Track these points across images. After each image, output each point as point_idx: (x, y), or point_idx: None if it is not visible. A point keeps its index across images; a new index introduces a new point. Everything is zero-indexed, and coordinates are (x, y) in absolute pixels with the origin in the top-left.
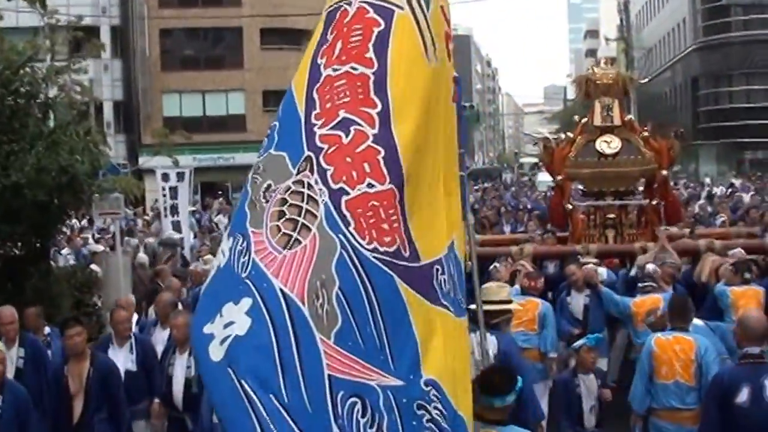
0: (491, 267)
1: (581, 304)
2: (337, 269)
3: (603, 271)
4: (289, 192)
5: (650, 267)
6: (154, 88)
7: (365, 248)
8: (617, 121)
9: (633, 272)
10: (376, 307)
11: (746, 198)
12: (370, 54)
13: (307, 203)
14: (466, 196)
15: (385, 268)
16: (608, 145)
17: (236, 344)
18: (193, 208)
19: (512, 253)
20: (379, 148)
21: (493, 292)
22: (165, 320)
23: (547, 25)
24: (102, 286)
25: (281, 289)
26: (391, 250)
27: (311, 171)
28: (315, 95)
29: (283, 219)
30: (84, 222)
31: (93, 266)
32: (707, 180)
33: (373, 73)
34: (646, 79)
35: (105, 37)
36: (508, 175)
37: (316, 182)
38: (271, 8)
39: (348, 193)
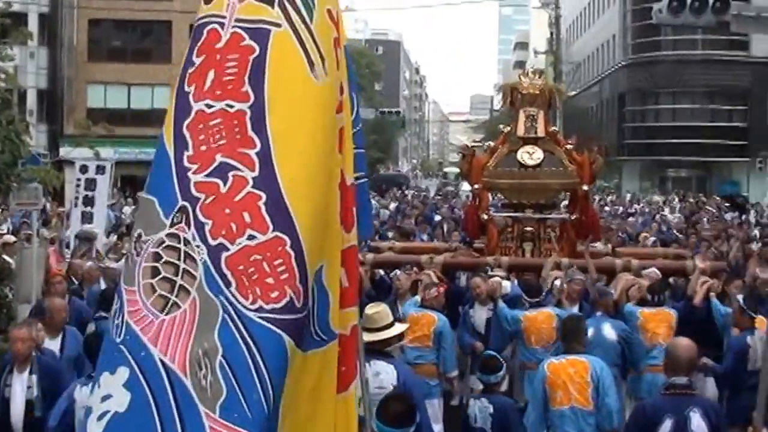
0: (392, 275)
1: (483, 318)
2: (220, 336)
3: (507, 285)
4: (163, 246)
5: (557, 283)
6: (79, 78)
7: (249, 309)
8: (541, 132)
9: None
10: (264, 372)
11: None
12: (246, 88)
13: (184, 261)
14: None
15: (273, 327)
16: (530, 156)
17: (116, 422)
18: (113, 202)
19: (422, 262)
20: (260, 192)
21: (383, 317)
22: (56, 329)
23: (478, 35)
24: (15, 278)
25: (161, 360)
26: (279, 305)
27: (187, 224)
28: (185, 132)
29: (158, 277)
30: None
31: (5, 257)
32: (628, 196)
33: (250, 108)
34: (574, 93)
35: (33, 24)
36: (432, 183)
37: (194, 238)
38: None
39: (228, 249)
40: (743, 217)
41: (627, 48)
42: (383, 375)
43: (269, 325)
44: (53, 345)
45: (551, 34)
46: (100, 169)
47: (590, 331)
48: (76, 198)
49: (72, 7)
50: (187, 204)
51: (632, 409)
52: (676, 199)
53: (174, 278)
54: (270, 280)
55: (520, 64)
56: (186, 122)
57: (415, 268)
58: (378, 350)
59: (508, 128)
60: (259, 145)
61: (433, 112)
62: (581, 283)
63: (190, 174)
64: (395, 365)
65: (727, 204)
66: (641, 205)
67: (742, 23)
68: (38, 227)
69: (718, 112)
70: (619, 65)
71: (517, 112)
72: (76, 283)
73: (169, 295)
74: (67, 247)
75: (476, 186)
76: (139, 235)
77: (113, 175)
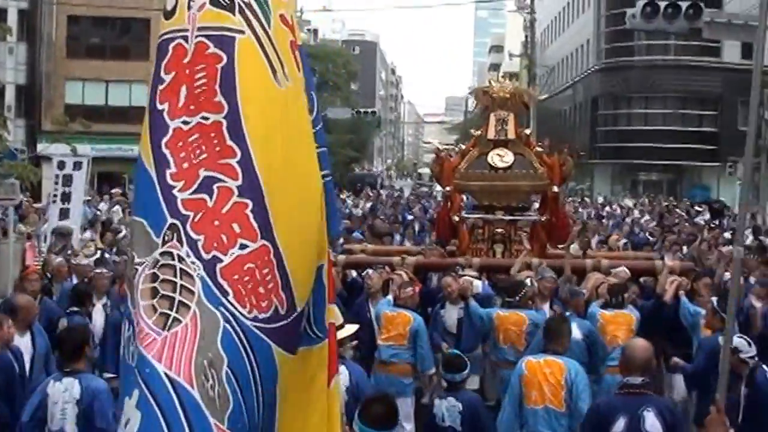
0: (364, 273)
1: (455, 318)
2: (223, 346)
3: (478, 284)
4: (159, 266)
5: (528, 283)
6: (57, 74)
7: (247, 318)
8: (511, 135)
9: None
10: (259, 382)
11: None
12: (219, 98)
13: (180, 278)
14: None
15: (263, 336)
16: (501, 158)
17: None
18: (89, 198)
19: (394, 263)
20: (246, 200)
21: (336, 317)
22: (26, 326)
23: (454, 37)
24: None
25: (166, 374)
26: (268, 315)
27: (179, 242)
28: (165, 150)
29: (158, 297)
30: None
31: None
32: (600, 199)
33: (225, 117)
34: (545, 96)
35: (12, 19)
36: (406, 183)
37: (188, 255)
38: None
39: (221, 261)
40: (718, 221)
41: (600, 52)
42: None
43: (261, 335)
44: (24, 341)
45: (526, 37)
46: (76, 165)
47: None
48: (54, 194)
49: (51, 3)
50: (176, 222)
51: (588, 408)
52: (647, 202)
53: (172, 295)
54: (261, 290)
55: (495, 67)
56: (164, 140)
57: (387, 268)
58: None
59: (479, 131)
60: (239, 154)
61: (408, 112)
62: (552, 281)
63: (175, 192)
64: (347, 366)
65: (698, 209)
66: (613, 207)
67: (714, 30)
68: (15, 222)
69: (689, 117)
70: (593, 69)
71: (488, 115)
72: (49, 278)
73: (169, 312)
74: (45, 242)
75: (448, 188)
76: (133, 258)
77: (90, 171)
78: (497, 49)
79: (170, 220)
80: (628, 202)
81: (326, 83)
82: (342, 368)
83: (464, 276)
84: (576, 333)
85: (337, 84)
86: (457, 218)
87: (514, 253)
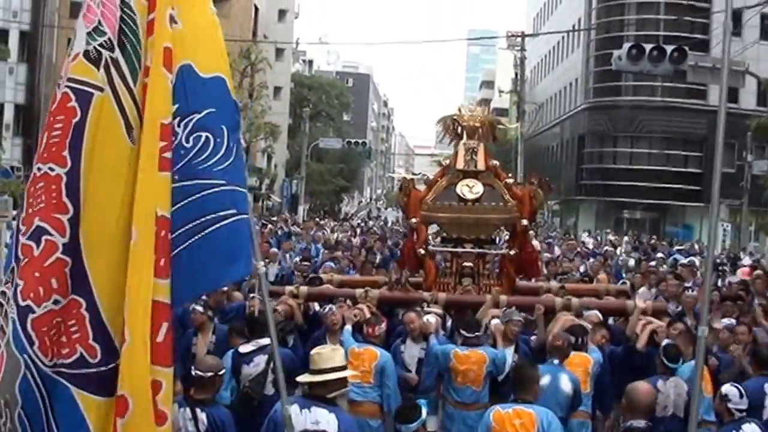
0: (326, 309)
1: (415, 356)
2: (20, 390)
3: (496, 321)
4: None
5: (495, 322)
6: None
7: (47, 365)
8: (481, 166)
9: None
10: (53, 421)
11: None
12: (66, 152)
13: (3, 318)
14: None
15: (62, 380)
16: (470, 189)
17: None
18: None
19: (356, 296)
20: (68, 258)
21: (326, 359)
22: None
23: (446, 71)
24: None
25: None
26: (69, 361)
27: (11, 283)
28: (26, 194)
29: None
30: None
31: None
32: (584, 236)
33: (66, 174)
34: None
35: (13, 41)
36: (394, 215)
37: (12, 296)
38: None
39: (34, 312)
40: None
41: (588, 91)
42: (323, 424)
43: (59, 379)
44: None
45: (516, 74)
46: None
47: (546, 379)
48: None
49: (52, 26)
50: (15, 265)
51: None
52: (626, 239)
53: None
54: (63, 339)
55: (485, 102)
56: (27, 184)
57: (348, 302)
58: (319, 395)
59: (447, 161)
60: (71, 211)
61: (399, 144)
62: (519, 324)
63: (20, 236)
64: (337, 414)
65: (678, 248)
66: (604, 246)
67: (699, 74)
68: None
69: (674, 158)
70: (580, 108)
71: (457, 145)
72: None
73: None
74: None
75: (414, 220)
76: None
77: None
78: (488, 84)
79: (12, 263)
80: (612, 239)
81: (319, 113)
82: (331, 416)
83: (429, 312)
84: (566, 386)
85: (330, 114)
86: (422, 251)
87: (483, 287)
